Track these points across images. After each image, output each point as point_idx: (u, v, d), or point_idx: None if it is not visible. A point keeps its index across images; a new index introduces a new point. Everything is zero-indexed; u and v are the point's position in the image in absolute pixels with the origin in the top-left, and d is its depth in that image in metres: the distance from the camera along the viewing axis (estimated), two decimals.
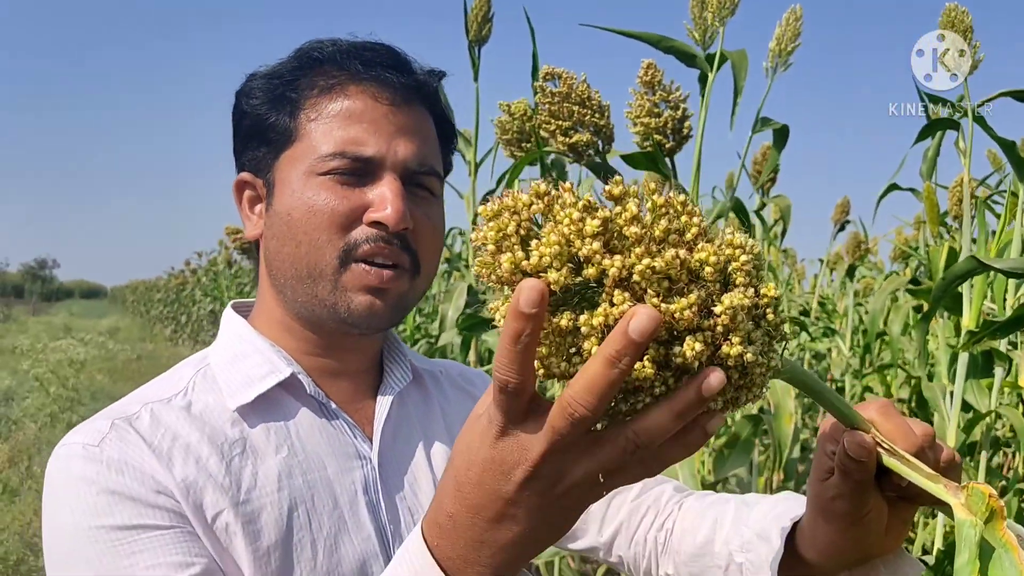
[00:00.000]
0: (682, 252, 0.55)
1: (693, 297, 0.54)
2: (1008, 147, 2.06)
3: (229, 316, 1.04)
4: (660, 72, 1.62)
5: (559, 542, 1.05)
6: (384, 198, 0.92)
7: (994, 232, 2.41)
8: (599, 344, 0.54)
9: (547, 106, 1.62)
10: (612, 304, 0.54)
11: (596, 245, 0.54)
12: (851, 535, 0.78)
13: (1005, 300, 2.43)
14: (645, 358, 0.55)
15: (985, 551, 0.59)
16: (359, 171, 0.93)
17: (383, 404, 1.03)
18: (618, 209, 0.55)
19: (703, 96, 1.82)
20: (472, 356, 2.79)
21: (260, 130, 0.97)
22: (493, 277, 0.57)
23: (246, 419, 0.94)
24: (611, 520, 1.13)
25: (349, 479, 0.96)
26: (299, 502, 0.92)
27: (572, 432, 0.56)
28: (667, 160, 1.71)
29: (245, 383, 0.95)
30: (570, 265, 0.55)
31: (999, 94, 2.29)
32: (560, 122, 1.62)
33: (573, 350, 0.57)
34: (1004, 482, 3.28)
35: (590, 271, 0.54)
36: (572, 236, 0.54)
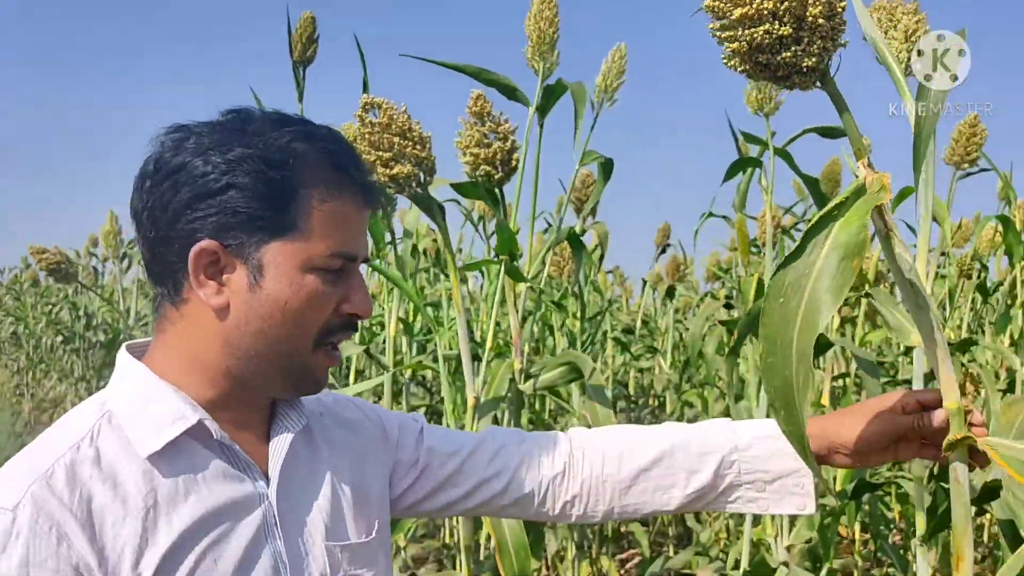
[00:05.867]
0: None
1: None
2: (811, 183, 2.21)
3: (127, 360, 1.02)
4: (489, 103, 1.63)
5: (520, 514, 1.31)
6: (358, 292, 1.03)
7: None
8: None
9: (367, 136, 1.59)
10: None
11: None
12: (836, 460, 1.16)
13: None
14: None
15: None
16: (342, 268, 1.01)
17: (278, 444, 1.05)
18: None
19: (540, 125, 1.86)
20: None
21: (252, 213, 0.97)
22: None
23: (157, 468, 0.94)
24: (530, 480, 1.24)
25: (252, 523, 0.98)
26: (208, 551, 0.94)
27: None
28: (496, 190, 1.72)
29: (154, 430, 0.95)
30: None
31: (805, 131, 2.46)
32: (381, 153, 1.59)
33: None
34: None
35: None
36: None
